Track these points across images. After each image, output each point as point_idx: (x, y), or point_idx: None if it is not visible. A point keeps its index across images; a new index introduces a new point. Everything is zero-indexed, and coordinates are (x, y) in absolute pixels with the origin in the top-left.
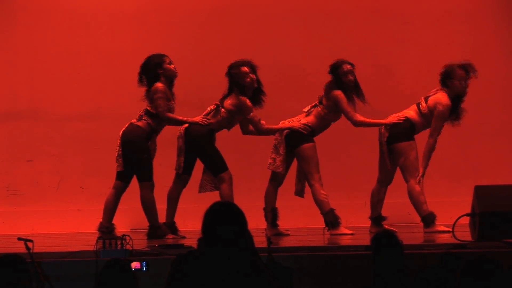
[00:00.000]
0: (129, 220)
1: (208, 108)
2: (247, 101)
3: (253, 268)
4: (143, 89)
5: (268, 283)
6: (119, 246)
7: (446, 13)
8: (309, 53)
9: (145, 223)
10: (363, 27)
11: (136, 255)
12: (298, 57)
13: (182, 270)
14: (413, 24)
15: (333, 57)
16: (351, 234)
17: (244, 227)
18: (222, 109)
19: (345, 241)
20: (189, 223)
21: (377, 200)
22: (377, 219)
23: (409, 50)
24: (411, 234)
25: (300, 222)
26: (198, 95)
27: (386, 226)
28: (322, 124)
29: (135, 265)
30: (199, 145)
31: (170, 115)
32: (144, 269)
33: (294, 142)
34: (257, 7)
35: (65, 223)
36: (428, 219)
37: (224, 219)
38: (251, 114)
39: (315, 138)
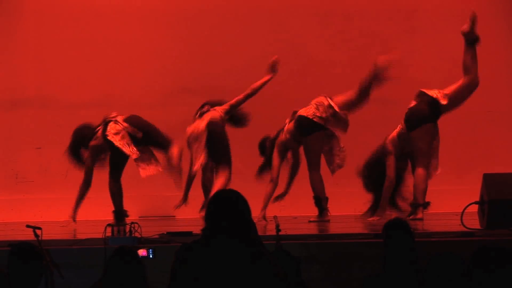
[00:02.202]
0: (138, 208)
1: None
2: None
3: (257, 257)
4: (151, 77)
5: (272, 273)
6: (128, 233)
7: (455, 0)
8: (318, 41)
9: (153, 211)
10: (372, 15)
11: (145, 242)
12: (309, 48)
13: (186, 259)
14: (421, 12)
15: (344, 46)
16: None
17: (248, 216)
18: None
19: (354, 229)
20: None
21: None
22: (424, 205)
23: (417, 38)
24: (421, 221)
25: (309, 210)
26: (201, 83)
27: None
28: None
29: (142, 252)
30: None
31: None
32: (151, 256)
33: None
34: None
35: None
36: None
37: (227, 208)
38: None
39: None
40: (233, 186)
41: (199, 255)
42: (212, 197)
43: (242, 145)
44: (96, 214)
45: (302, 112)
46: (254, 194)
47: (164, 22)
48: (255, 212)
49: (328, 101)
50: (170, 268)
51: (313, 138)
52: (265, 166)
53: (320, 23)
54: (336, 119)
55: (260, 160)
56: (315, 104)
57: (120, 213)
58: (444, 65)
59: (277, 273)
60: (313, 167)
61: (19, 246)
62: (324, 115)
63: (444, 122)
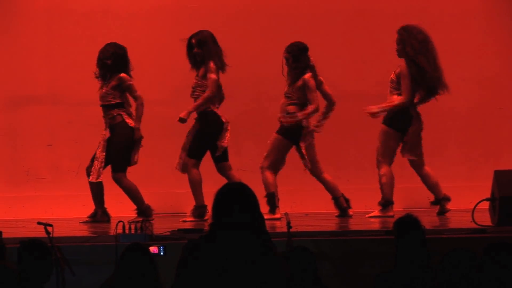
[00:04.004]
0: (150, 204)
1: None
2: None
3: (265, 251)
4: (161, 74)
5: (279, 266)
6: (139, 230)
7: None
8: (328, 38)
9: (164, 208)
10: (382, 12)
11: (156, 239)
12: (320, 45)
13: (193, 255)
14: (432, 9)
15: (354, 43)
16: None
17: (256, 209)
18: None
19: (365, 225)
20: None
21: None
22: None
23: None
24: (430, 218)
25: (320, 207)
26: None
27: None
28: None
29: (152, 249)
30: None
31: None
32: (162, 253)
33: None
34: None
35: (85, 208)
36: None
37: (235, 201)
38: None
39: None
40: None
41: (206, 250)
42: (219, 190)
43: (251, 142)
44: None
45: None
46: (262, 191)
47: (174, 19)
48: (263, 209)
49: None
50: (176, 264)
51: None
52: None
53: (330, 20)
54: None
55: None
56: None
57: (147, 210)
58: (454, 63)
59: (283, 267)
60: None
61: (29, 242)
62: None
63: (455, 119)
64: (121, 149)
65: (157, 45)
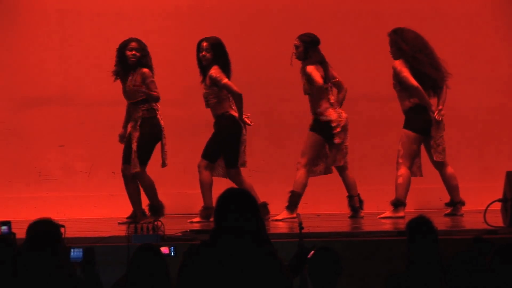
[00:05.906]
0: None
1: None
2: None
3: (265, 256)
4: (173, 75)
5: (280, 271)
6: (151, 231)
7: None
8: (337, 40)
9: (176, 209)
10: (392, 14)
11: (168, 240)
12: (328, 46)
13: (193, 260)
14: (444, 9)
15: (363, 45)
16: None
17: (256, 214)
18: None
19: (377, 226)
20: None
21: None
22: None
23: (437, 38)
24: (442, 219)
25: (332, 208)
26: None
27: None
28: None
29: (163, 250)
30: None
31: None
32: (172, 254)
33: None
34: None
35: (97, 209)
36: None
37: (234, 206)
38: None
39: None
40: (254, 184)
41: (206, 255)
42: (219, 196)
43: (263, 143)
44: (119, 212)
45: None
46: (274, 192)
47: (186, 19)
48: (276, 211)
49: None
50: (177, 269)
51: None
52: None
53: (342, 21)
54: None
55: (278, 156)
56: None
57: (159, 207)
58: (465, 63)
59: (285, 272)
60: None
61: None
62: None
63: (467, 119)
64: (146, 142)
65: (168, 46)
